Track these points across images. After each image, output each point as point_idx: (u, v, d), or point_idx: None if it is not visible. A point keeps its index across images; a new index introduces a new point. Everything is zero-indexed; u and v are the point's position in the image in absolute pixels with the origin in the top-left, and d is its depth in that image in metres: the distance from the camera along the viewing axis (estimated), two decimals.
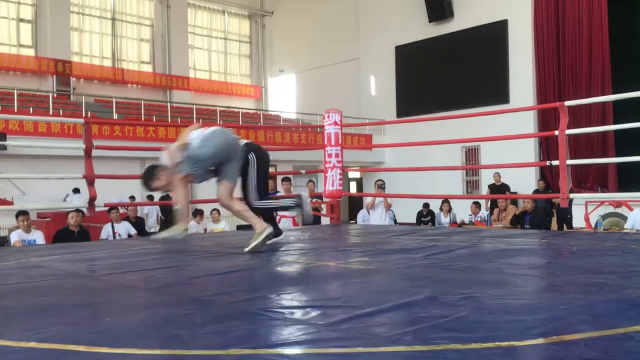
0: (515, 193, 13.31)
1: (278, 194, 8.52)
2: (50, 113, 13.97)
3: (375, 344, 1.61)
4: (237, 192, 4.29)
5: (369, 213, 9.23)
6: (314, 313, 2.01)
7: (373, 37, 19.82)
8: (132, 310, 2.20)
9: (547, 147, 15.44)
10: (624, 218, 9.92)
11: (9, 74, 17.89)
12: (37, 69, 18.37)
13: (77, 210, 7.42)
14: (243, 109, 20.32)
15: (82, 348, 1.62)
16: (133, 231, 8.46)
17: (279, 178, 8.96)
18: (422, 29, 18.20)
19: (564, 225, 11.61)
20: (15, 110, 13.51)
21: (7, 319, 2.05)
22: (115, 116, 15.02)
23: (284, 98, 23.92)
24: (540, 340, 1.64)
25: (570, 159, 10.66)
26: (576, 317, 1.89)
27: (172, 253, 3.97)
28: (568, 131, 5.16)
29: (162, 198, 7.48)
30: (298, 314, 2.01)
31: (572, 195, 7.52)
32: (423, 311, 1.99)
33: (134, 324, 1.96)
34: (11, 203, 12.02)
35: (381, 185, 8.87)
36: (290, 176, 9.33)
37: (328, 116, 6.59)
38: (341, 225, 6.81)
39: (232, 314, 2.03)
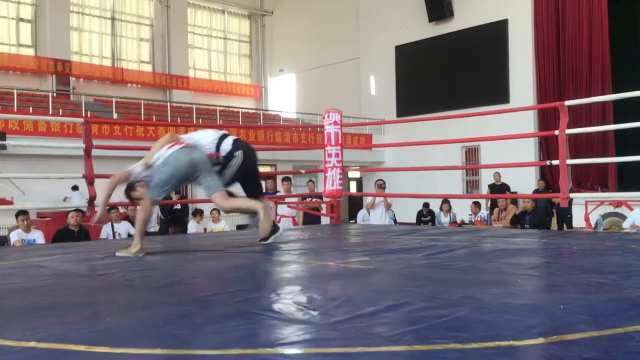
0: (515, 193, 13.29)
1: (278, 194, 8.53)
2: (50, 113, 13.94)
3: (375, 344, 1.61)
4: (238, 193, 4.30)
5: (369, 213, 9.23)
6: (314, 313, 2.01)
7: (373, 37, 19.81)
8: (132, 310, 2.20)
9: (547, 147, 15.43)
10: (624, 218, 9.92)
11: (8, 73, 17.87)
12: (37, 69, 18.36)
13: (77, 210, 7.41)
14: (243, 108, 20.30)
15: (82, 348, 1.62)
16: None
17: (279, 178, 8.96)
18: (422, 29, 18.18)
19: (564, 225, 11.59)
20: (15, 110, 13.48)
21: (7, 319, 2.05)
22: (115, 116, 15.00)
23: (283, 98, 23.89)
24: (540, 340, 1.64)
25: (570, 158, 10.64)
26: (576, 316, 1.89)
27: (172, 253, 3.97)
28: (568, 131, 5.15)
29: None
30: (298, 314, 2.01)
31: (572, 195, 7.53)
32: (423, 311, 1.99)
33: (134, 324, 1.96)
34: (11, 203, 12.01)
35: (381, 185, 8.86)
36: (290, 176, 9.34)
37: (328, 116, 6.59)
38: (341, 225, 6.81)
39: (232, 314, 2.03)
